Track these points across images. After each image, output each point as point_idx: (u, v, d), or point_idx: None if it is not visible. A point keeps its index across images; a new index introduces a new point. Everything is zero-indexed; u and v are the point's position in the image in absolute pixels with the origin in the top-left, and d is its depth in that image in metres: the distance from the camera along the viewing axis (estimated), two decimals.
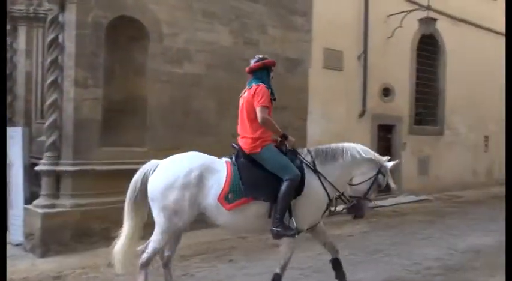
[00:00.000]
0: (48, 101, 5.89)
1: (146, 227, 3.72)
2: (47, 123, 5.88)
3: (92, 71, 5.98)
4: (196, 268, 5.02)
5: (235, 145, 3.79)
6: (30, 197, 6.02)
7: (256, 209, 3.60)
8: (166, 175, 3.53)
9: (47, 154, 5.82)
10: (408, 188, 10.49)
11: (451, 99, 11.87)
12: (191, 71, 7.02)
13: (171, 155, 3.83)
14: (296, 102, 8.45)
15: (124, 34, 6.39)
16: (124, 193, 3.75)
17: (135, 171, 3.77)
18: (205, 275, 4.78)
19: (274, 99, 3.81)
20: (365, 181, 3.90)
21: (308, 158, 3.81)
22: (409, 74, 10.89)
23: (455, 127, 12.10)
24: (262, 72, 3.82)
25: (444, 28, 11.41)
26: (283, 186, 3.52)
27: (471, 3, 12.42)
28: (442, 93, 11.79)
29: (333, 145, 3.93)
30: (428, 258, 5.38)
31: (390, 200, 9.66)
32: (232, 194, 3.51)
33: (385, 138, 10.34)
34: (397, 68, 10.53)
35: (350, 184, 3.95)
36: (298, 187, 3.61)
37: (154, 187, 3.53)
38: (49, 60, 5.89)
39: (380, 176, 3.93)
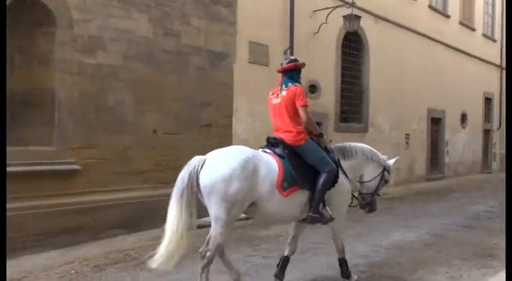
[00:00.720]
0: None
1: None
2: None
3: None
4: (113, 278, 4.81)
5: (276, 138, 4.14)
6: None
7: (302, 197, 4.03)
8: (221, 168, 3.69)
9: None
10: None
11: (374, 97, 12.54)
12: (105, 61, 6.71)
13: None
14: (221, 99, 8.42)
15: (26, 19, 5.95)
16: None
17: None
18: None
19: None
20: (375, 177, 4.60)
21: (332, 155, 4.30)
22: (335, 70, 11.33)
23: (378, 125, 12.81)
24: (293, 72, 4.34)
25: (367, 26, 12.01)
26: (322, 177, 4.00)
27: (393, 2, 13.23)
28: (366, 90, 12.42)
29: (347, 144, 4.60)
30: (356, 255, 5.61)
31: None
32: (286, 183, 3.88)
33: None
34: (323, 64, 10.90)
35: (361, 182, 4.60)
36: (333, 179, 4.10)
37: (211, 180, 3.67)
38: None
39: (385, 173, 4.66)
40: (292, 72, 4.32)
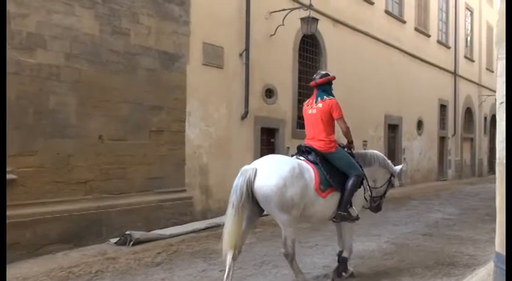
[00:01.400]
0: None
1: None
2: None
3: None
4: None
5: (308, 146, 4.87)
6: None
7: (335, 198, 4.77)
8: (274, 178, 4.34)
9: None
10: None
11: None
12: (46, 61, 6.44)
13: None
14: (173, 102, 8.29)
15: None
16: None
17: None
18: None
19: None
20: (385, 183, 5.45)
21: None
22: (292, 74, 11.45)
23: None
24: (326, 86, 5.02)
25: (325, 29, 12.26)
26: (351, 180, 4.75)
27: (350, 5, 13.60)
28: None
29: (367, 152, 5.42)
30: (317, 267, 5.64)
31: None
32: (323, 186, 4.63)
33: (268, 142, 10.70)
34: (280, 68, 10.99)
35: (374, 187, 5.33)
36: (361, 182, 4.90)
37: (268, 188, 4.32)
38: None
39: (392, 178, 5.50)
40: (324, 86, 5.01)
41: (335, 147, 4.85)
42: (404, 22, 16.75)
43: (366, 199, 5.21)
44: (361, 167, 4.98)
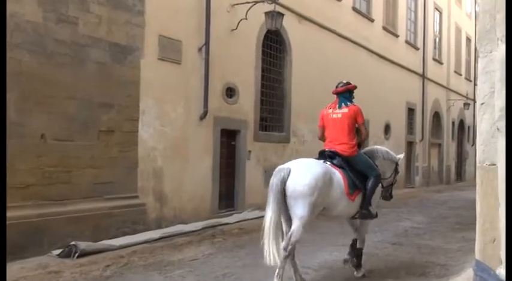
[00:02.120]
0: None
1: None
2: None
3: None
4: None
5: (332, 150, 5.46)
6: None
7: (359, 198, 5.47)
8: (307, 177, 4.93)
9: None
10: (253, 202, 10.95)
11: (296, 103, 12.86)
12: None
13: None
14: (125, 100, 8.15)
15: None
16: None
17: None
18: None
19: None
20: (392, 172, 6.19)
21: None
22: (254, 72, 11.46)
23: (301, 134, 13.15)
24: (346, 93, 5.77)
25: (290, 25, 12.35)
26: (371, 181, 5.50)
27: (317, 1, 13.75)
28: (288, 95, 12.70)
29: (369, 148, 6.14)
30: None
31: (235, 217, 9.97)
32: (351, 189, 5.30)
33: (228, 145, 10.65)
34: (242, 65, 10.99)
35: (384, 178, 5.96)
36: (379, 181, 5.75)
37: (300, 187, 4.90)
38: None
39: (397, 166, 6.27)
40: (345, 94, 5.75)
41: (357, 151, 5.56)
42: (372, 20, 17.14)
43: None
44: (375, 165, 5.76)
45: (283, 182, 4.92)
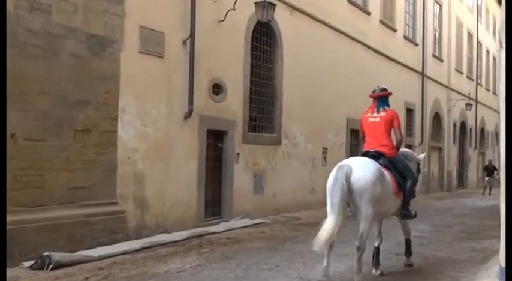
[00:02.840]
0: None
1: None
2: None
3: None
4: None
5: (377, 151, 6.24)
6: None
7: (401, 197, 6.29)
8: (369, 173, 5.66)
9: None
10: (242, 209, 10.95)
11: (287, 102, 12.89)
12: None
13: None
14: (103, 96, 8.09)
15: None
16: None
17: None
18: None
19: None
20: (416, 172, 6.99)
21: None
22: (243, 68, 11.45)
23: (293, 136, 13.17)
24: (383, 98, 6.63)
25: (281, 17, 12.37)
26: (410, 182, 6.35)
27: None
28: (279, 94, 12.70)
29: (401, 150, 6.80)
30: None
31: (222, 225, 9.93)
32: (398, 188, 6.09)
33: (215, 147, 10.61)
34: (229, 60, 10.98)
35: None
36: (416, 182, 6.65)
37: (364, 182, 5.58)
38: None
39: (419, 166, 7.29)
40: (382, 98, 6.61)
41: (396, 152, 6.40)
42: (368, 13, 17.26)
43: None
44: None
45: (347, 177, 5.51)
